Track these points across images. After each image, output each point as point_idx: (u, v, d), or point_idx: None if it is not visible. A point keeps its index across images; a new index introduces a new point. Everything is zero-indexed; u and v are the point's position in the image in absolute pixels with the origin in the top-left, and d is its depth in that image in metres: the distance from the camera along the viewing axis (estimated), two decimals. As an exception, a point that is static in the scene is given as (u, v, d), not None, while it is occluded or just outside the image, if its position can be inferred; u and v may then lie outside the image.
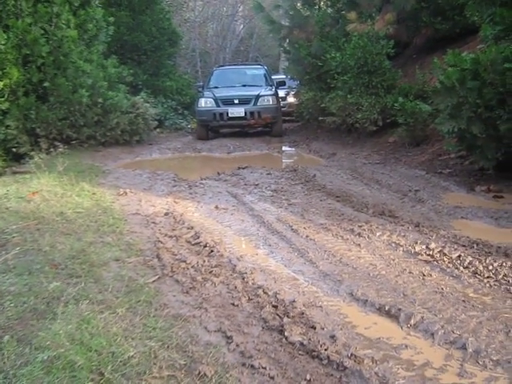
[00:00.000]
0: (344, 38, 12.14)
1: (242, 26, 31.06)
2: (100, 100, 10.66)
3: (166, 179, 7.69)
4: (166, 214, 5.57)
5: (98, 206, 5.78)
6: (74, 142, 10.20)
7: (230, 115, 13.43)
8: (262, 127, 14.12)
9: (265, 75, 15.54)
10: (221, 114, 13.41)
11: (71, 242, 4.41)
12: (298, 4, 15.50)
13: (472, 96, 6.14)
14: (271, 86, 14.82)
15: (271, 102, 13.83)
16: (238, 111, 13.43)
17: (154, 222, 5.23)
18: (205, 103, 13.74)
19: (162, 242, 4.52)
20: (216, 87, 14.57)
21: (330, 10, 14.75)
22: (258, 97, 13.73)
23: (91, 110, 10.51)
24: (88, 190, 6.52)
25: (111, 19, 12.35)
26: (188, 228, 5.00)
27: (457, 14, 10.96)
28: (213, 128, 13.97)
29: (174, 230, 4.96)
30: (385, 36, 11.10)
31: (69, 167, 7.59)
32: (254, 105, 13.59)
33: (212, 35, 29.90)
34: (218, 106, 13.55)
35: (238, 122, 13.67)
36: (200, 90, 15.08)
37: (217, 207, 5.87)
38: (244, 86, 14.67)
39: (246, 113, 13.45)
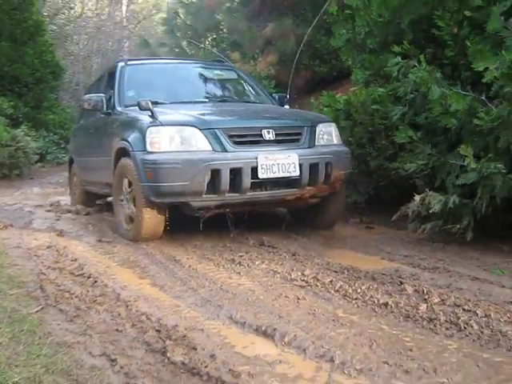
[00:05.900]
0: (228, 78, 12.54)
1: (127, 62, 30.97)
2: (-22, 132, 10.36)
3: (48, 213, 7.57)
4: (49, 246, 5.53)
5: (-23, 240, 5.64)
6: (-51, 175, 9.82)
7: (261, 174, 5.04)
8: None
9: (249, 84, 7.64)
10: (238, 173, 5.04)
11: None
12: (184, 43, 15.83)
13: (345, 134, 6.63)
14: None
15: (335, 140, 5.95)
16: (283, 161, 5.13)
17: (36, 255, 5.18)
18: (171, 142, 5.09)
19: (45, 274, 4.51)
20: (156, 103, 5.58)
21: (214, 50, 15.19)
22: (314, 123, 5.75)
23: (-32, 142, 10.18)
24: (-35, 224, 6.33)
25: (-9, 50, 12.07)
26: (72, 260, 5.00)
27: (333, 58, 11.73)
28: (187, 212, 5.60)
29: (57, 262, 4.94)
30: (267, 76, 11.67)
31: None
32: (309, 145, 5.54)
33: (97, 69, 29.52)
34: (221, 148, 5.07)
35: (276, 194, 5.38)
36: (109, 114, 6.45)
37: (100, 240, 5.91)
38: (224, 100, 6.87)
39: (301, 167, 5.25)
